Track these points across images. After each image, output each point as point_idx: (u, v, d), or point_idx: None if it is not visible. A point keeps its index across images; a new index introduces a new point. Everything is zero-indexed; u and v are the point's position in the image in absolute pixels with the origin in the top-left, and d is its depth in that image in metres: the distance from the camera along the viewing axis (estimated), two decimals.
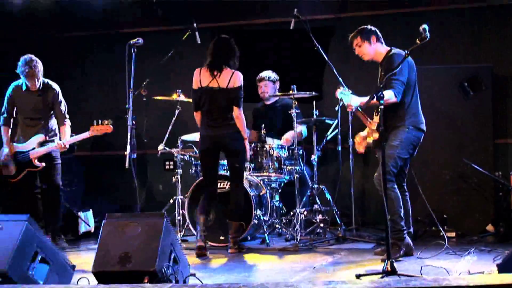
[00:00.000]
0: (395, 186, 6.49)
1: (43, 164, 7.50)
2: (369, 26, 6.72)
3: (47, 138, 7.60)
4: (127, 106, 6.61)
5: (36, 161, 7.49)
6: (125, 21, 9.85)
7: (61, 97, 7.74)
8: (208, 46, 7.02)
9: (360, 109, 6.42)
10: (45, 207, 7.77)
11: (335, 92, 7.72)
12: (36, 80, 7.51)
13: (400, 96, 6.35)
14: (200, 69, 6.90)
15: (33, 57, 7.49)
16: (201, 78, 6.84)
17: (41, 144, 7.52)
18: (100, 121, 7.35)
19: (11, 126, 7.76)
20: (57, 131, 7.74)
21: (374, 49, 6.65)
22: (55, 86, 7.73)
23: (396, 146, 6.43)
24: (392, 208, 6.32)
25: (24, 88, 7.62)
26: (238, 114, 6.88)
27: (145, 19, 9.74)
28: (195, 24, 7.96)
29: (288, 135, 8.11)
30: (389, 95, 6.27)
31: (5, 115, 7.74)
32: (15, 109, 7.72)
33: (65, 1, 9.56)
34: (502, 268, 5.03)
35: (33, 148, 7.51)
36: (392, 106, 6.31)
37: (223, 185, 7.42)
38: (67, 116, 7.73)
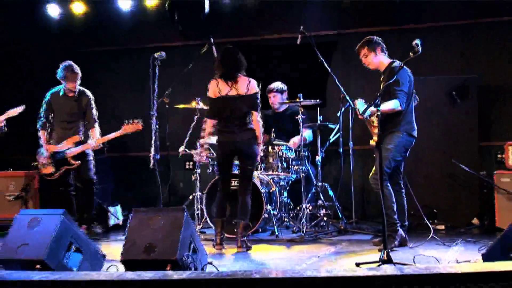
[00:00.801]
0: (389, 184, 6.51)
1: (78, 162, 7.53)
2: (375, 38, 6.69)
3: (81, 138, 7.63)
4: (151, 113, 6.62)
5: (71, 159, 7.51)
6: (150, 37, 9.86)
7: (93, 104, 7.78)
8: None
9: (368, 118, 6.41)
10: (81, 199, 7.78)
11: (338, 100, 7.77)
12: (75, 83, 7.52)
13: (404, 105, 6.37)
14: (216, 79, 6.69)
15: (73, 63, 7.54)
16: (220, 87, 6.62)
17: (76, 144, 7.54)
18: (130, 120, 7.36)
19: (48, 129, 7.75)
20: (89, 133, 7.76)
21: (378, 60, 6.64)
22: (88, 93, 7.77)
23: (391, 149, 6.44)
24: (386, 203, 6.30)
25: (61, 93, 7.64)
26: (257, 118, 6.69)
27: (168, 35, 9.75)
28: (212, 40, 7.95)
29: (296, 139, 8.09)
30: (395, 105, 6.29)
31: (43, 119, 7.73)
32: (52, 114, 7.71)
33: (97, 19, 9.60)
34: (486, 257, 5.02)
35: (69, 148, 7.52)
36: (391, 113, 6.31)
37: (235, 183, 7.40)
38: (97, 120, 7.76)
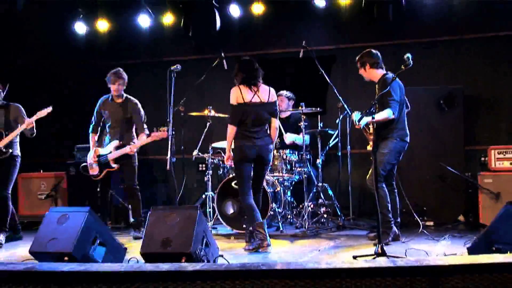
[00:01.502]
0: (384, 185, 6.52)
1: (117, 165, 7.42)
2: (373, 51, 6.67)
3: (121, 143, 7.44)
4: (168, 120, 6.61)
5: (112, 162, 7.45)
6: (167, 51, 9.88)
7: (141, 110, 7.58)
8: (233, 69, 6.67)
9: (365, 126, 6.41)
10: (128, 203, 7.69)
11: (336, 108, 7.77)
12: (116, 86, 7.42)
13: (397, 113, 6.36)
14: (238, 86, 6.36)
15: (120, 69, 7.48)
16: (243, 94, 6.30)
17: (117, 148, 7.44)
18: (157, 128, 7.16)
19: (98, 133, 7.66)
20: (133, 138, 7.55)
21: (374, 72, 6.62)
22: (135, 100, 7.61)
23: (386, 154, 6.45)
24: (382, 203, 6.30)
25: (110, 99, 7.54)
26: (276, 125, 6.51)
27: (182, 49, 9.77)
28: (223, 54, 7.96)
29: (291, 135, 8.15)
30: (388, 114, 6.30)
31: (94, 123, 7.61)
32: (101, 118, 7.61)
33: (119, 35, 9.63)
34: (471, 251, 5.02)
35: (110, 152, 7.46)
36: (385, 121, 6.32)
37: None
38: (145, 125, 7.52)
